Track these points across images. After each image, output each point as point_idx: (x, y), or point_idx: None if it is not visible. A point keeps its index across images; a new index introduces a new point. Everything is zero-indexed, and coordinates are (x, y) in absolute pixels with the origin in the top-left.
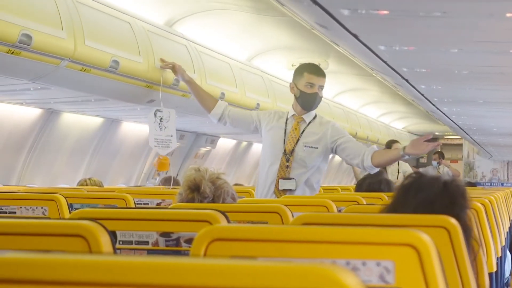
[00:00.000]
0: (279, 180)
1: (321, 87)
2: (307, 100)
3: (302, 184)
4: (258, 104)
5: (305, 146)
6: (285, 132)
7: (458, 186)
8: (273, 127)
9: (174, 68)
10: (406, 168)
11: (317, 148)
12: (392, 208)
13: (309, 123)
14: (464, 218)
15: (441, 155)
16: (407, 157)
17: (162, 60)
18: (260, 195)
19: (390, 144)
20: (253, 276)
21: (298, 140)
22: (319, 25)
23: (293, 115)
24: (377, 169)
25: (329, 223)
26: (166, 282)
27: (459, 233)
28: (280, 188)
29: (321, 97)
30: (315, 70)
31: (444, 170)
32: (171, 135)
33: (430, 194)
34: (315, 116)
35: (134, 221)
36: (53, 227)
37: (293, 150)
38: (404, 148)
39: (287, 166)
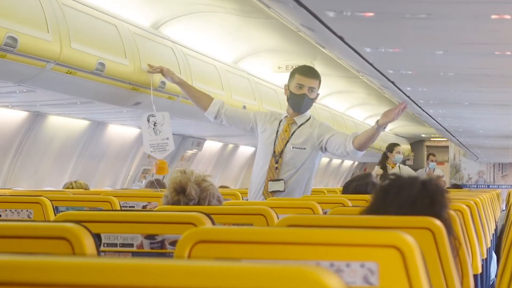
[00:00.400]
0: (268, 182)
1: (312, 89)
2: (295, 101)
3: (291, 184)
4: (244, 107)
5: (293, 147)
6: (276, 134)
7: (437, 185)
8: (267, 129)
9: (162, 72)
10: (408, 172)
11: (304, 148)
12: (372, 210)
13: (301, 125)
14: (445, 217)
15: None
16: (383, 129)
17: (149, 65)
18: (252, 197)
19: (391, 148)
20: (236, 278)
21: (287, 141)
22: (304, 27)
23: (286, 117)
24: (362, 153)
25: (314, 225)
26: (148, 284)
27: (443, 235)
28: (269, 190)
29: (312, 98)
30: (306, 72)
31: (437, 173)
32: (167, 138)
33: (410, 194)
34: (309, 118)
35: (118, 223)
36: (37, 230)
37: (282, 151)
38: (377, 121)
39: (276, 168)
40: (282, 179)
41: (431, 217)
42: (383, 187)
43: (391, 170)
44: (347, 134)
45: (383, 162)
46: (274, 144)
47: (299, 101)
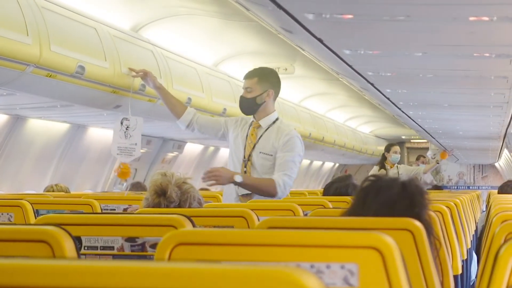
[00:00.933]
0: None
1: (247, 89)
2: (240, 105)
3: None
4: (224, 109)
5: (260, 153)
6: (246, 138)
7: (417, 186)
8: (238, 134)
9: (145, 75)
10: (407, 171)
11: (271, 155)
12: (353, 211)
13: (267, 129)
14: (425, 217)
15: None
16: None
17: (131, 69)
18: (225, 201)
19: (388, 148)
20: (216, 280)
21: (254, 146)
22: (284, 29)
23: (252, 121)
24: (276, 198)
25: (294, 226)
26: (128, 287)
27: (423, 236)
28: (239, 194)
29: (250, 98)
30: (245, 75)
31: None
32: (136, 144)
33: (390, 195)
34: (275, 120)
35: (99, 226)
36: (17, 233)
37: (250, 155)
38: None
39: (245, 172)
40: None
41: (411, 218)
42: (363, 189)
43: (390, 170)
44: (282, 169)
45: (382, 162)
46: (244, 149)
47: (241, 104)
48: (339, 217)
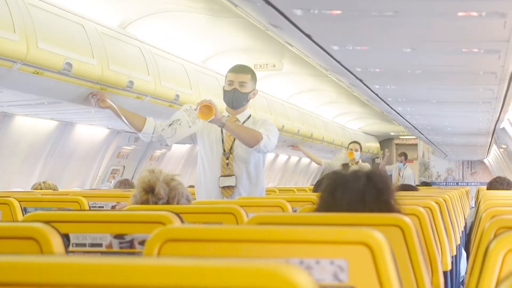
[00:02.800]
0: (220, 177)
1: (242, 83)
2: (227, 97)
3: (243, 179)
4: None
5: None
6: (222, 133)
7: (381, 175)
8: (211, 131)
9: (103, 102)
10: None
11: None
12: (325, 208)
13: (243, 122)
14: (393, 203)
15: (405, 156)
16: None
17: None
18: (201, 197)
19: (348, 146)
20: (205, 276)
21: (235, 138)
22: (272, 25)
23: (228, 116)
24: (257, 148)
25: (283, 223)
26: (116, 283)
27: (412, 232)
28: (220, 185)
29: (243, 92)
30: (234, 68)
31: (407, 172)
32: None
33: (358, 188)
34: (249, 116)
35: (87, 223)
36: (4, 230)
37: (231, 148)
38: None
39: (228, 164)
40: (234, 175)
41: (381, 206)
42: (328, 186)
43: (352, 167)
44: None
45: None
46: (223, 143)
47: (230, 97)
48: (329, 214)
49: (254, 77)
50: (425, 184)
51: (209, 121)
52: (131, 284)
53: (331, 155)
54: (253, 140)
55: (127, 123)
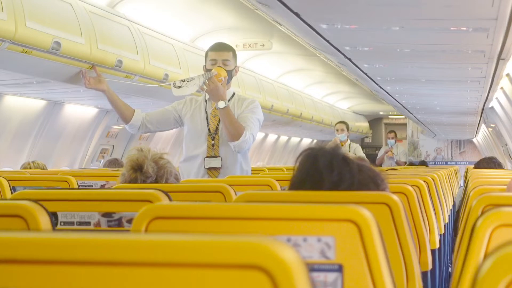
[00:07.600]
0: (205, 158)
1: (225, 61)
2: None
3: (228, 160)
4: None
5: None
6: (206, 113)
7: (323, 152)
8: (194, 113)
9: (99, 82)
10: (358, 149)
11: None
12: (309, 187)
13: (229, 100)
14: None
15: (395, 133)
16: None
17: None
18: (186, 177)
19: (335, 125)
20: (192, 251)
21: (219, 119)
22: (261, 4)
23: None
24: (235, 143)
25: (271, 200)
26: (103, 258)
27: (400, 210)
28: (206, 167)
29: (229, 70)
30: (215, 47)
31: (400, 149)
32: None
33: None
34: (233, 94)
35: (75, 202)
36: None
37: (216, 128)
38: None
39: (213, 145)
40: (219, 156)
41: (367, 180)
42: (316, 167)
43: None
44: (247, 124)
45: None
46: (208, 123)
47: None
48: (317, 191)
49: (235, 54)
50: (412, 164)
51: (216, 91)
52: (117, 259)
53: (322, 134)
54: (236, 133)
55: (117, 111)
